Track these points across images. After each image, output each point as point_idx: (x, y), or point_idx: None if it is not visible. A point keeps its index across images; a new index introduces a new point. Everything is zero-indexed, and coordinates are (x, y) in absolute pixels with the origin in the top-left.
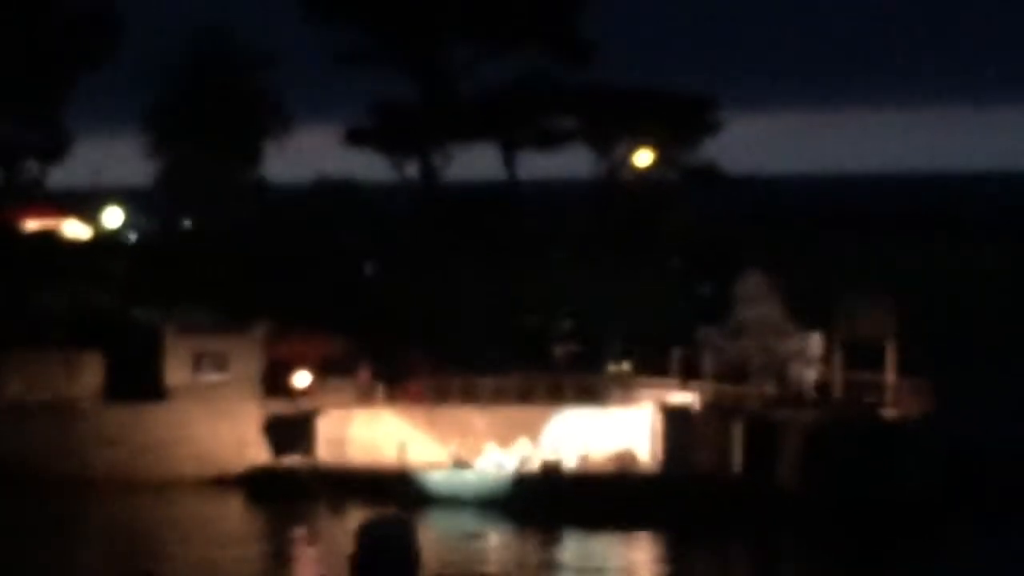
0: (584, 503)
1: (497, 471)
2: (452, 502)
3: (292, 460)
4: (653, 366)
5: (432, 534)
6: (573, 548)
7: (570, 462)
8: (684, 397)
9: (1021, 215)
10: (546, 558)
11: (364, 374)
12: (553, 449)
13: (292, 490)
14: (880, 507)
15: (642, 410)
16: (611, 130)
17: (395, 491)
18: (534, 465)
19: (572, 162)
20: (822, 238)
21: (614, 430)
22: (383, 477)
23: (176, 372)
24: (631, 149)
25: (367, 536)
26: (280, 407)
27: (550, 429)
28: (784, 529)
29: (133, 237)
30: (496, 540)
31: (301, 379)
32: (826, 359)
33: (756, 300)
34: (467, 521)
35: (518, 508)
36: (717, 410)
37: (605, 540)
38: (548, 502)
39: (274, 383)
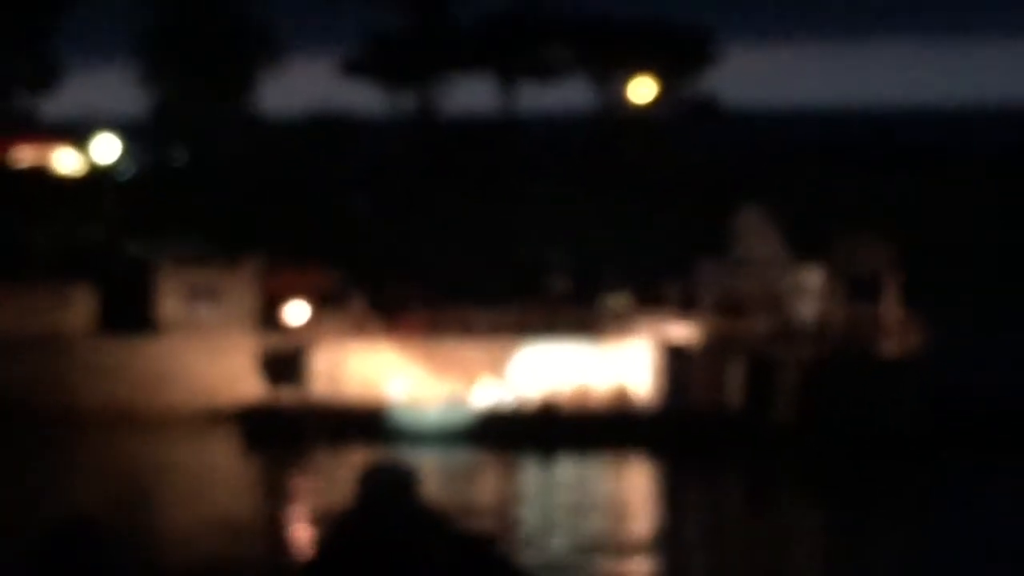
0: (581, 437)
1: (492, 404)
2: (440, 436)
3: (286, 394)
4: (650, 299)
5: (426, 471)
6: (569, 479)
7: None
8: (681, 330)
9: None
10: (544, 489)
11: (358, 304)
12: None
13: (286, 425)
14: (875, 441)
15: (639, 345)
16: (609, 61)
17: (382, 427)
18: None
19: (570, 94)
20: (822, 172)
21: (610, 364)
22: (375, 412)
23: (169, 305)
24: (630, 80)
25: (367, 489)
26: (274, 340)
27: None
28: (780, 462)
29: (127, 170)
30: (490, 473)
31: (295, 312)
32: (825, 293)
33: (755, 234)
34: (457, 455)
35: (508, 441)
36: (715, 346)
37: (601, 472)
38: (544, 433)
39: (268, 316)
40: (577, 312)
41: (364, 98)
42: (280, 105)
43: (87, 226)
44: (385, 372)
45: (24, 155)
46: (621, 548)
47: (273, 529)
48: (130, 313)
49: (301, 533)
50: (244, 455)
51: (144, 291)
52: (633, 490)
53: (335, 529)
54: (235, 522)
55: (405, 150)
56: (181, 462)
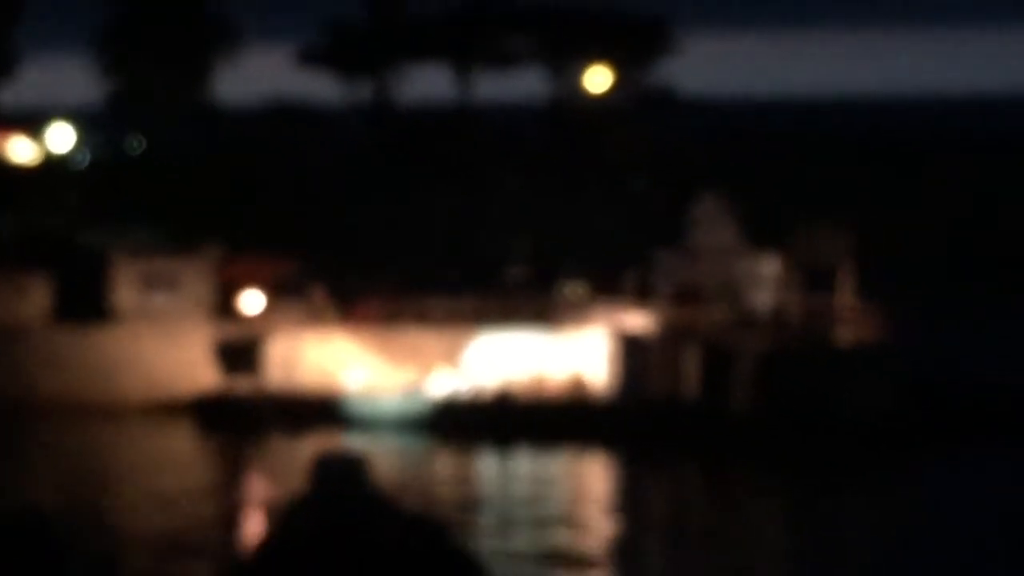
0: (536, 426)
1: (447, 393)
2: (397, 425)
3: (242, 383)
4: (607, 289)
5: (380, 458)
6: (525, 466)
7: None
8: (638, 320)
9: (985, 140)
10: (499, 478)
11: (319, 293)
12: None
13: (241, 414)
14: (833, 431)
15: (595, 334)
16: (565, 50)
17: (338, 416)
18: (477, 389)
19: (526, 83)
20: (780, 162)
21: (567, 354)
22: (331, 401)
23: (125, 294)
24: (586, 70)
25: (320, 476)
26: (230, 329)
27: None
28: (738, 452)
29: (83, 159)
30: (446, 462)
31: (252, 301)
32: (782, 283)
33: (711, 223)
34: (414, 444)
35: (464, 430)
36: (671, 334)
37: (558, 459)
38: (500, 422)
39: (224, 305)
40: (534, 301)
41: (320, 88)
42: (237, 95)
43: (43, 216)
44: (341, 361)
45: None
46: (577, 537)
47: (227, 516)
48: (86, 302)
49: (255, 520)
50: (200, 444)
51: (100, 280)
52: (589, 480)
53: (288, 514)
54: (190, 510)
55: (363, 138)
56: (136, 451)
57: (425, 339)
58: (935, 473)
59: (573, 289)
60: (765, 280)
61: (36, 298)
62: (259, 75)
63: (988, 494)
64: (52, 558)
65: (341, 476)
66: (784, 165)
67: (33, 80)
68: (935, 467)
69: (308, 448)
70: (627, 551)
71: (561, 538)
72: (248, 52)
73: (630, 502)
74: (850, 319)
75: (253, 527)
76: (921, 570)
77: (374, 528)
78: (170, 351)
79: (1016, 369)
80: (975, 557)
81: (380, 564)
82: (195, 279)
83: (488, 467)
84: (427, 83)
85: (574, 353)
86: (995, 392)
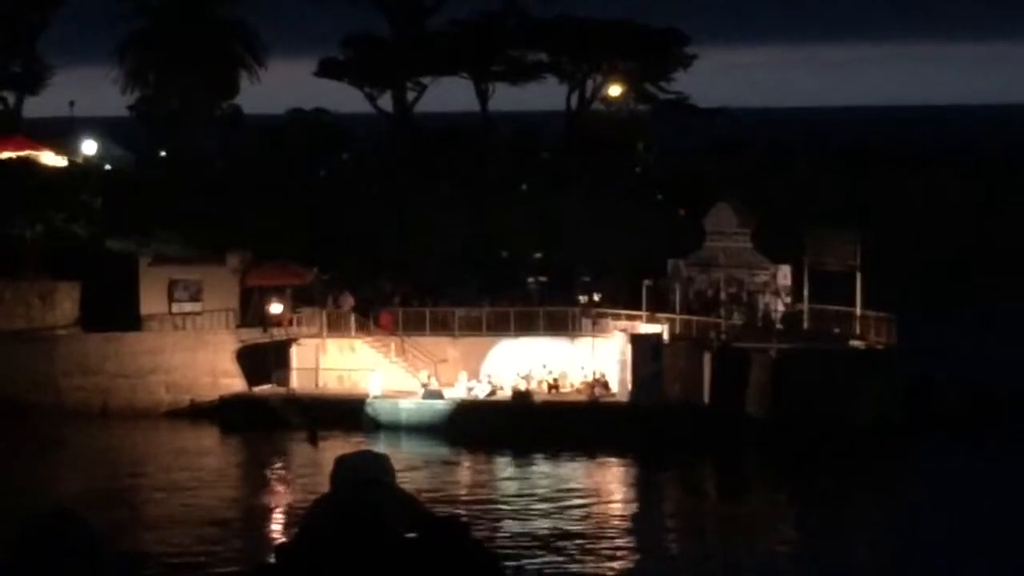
0: (554, 430)
1: (468, 399)
2: (418, 429)
3: (266, 389)
4: (623, 297)
5: (402, 462)
6: (543, 471)
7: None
8: (653, 328)
9: (982, 149)
10: (518, 481)
11: (347, 301)
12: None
13: (266, 419)
14: (844, 435)
15: (612, 341)
16: (582, 63)
17: (358, 420)
18: (496, 395)
19: (544, 95)
20: (792, 171)
21: (584, 359)
22: (353, 406)
23: (151, 302)
24: (602, 82)
25: (343, 476)
26: (254, 337)
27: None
28: (751, 456)
29: (107, 167)
30: (465, 465)
31: (276, 308)
32: (794, 291)
33: (726, 232)
34: (434, 448)
35: (484, 434)
36: (686, 340)
37: (574, 465)
38: (519, 429)
39: (248, 313)
40: (552, 309)
41: (341, 100)
42: (261, 105)
43: (71, 223)
44: (363, 367)
45: (9, 154)
46: (596, 539)
47: (252, 517)
48: (113, 310)
49: (280, 520)
50: (223, 447)
51: (127, 288)
52: (607, 483)
53: (312, 513)
54: (215, 511)
55: (383, 151)
56: (161, 454)
57: (444, 346)
58: (948, 474)
59: (590, 297)
60: (779, 288)
61: (65, 305)
62: (283, 87)
63: (992, 494)
64: (80, 556)
65: (363, 476)
66: (796, 174)
67: (62, 91)
68: (948, 468)
69: (330, 451)
70: (642, 548)
71: (577, 538)
72: (272, 65)
73: (645, 503)
74: (861, 326)
75: (278, 526)
76: (921, 567)
77: (395, 525)
78: (196, 357)
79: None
80: (973, 555)
81: (402, 561)
82: (219, 287)
83: (506, 470)
84: (447, 95)
85: (591, 360)
86: (1002, 395)
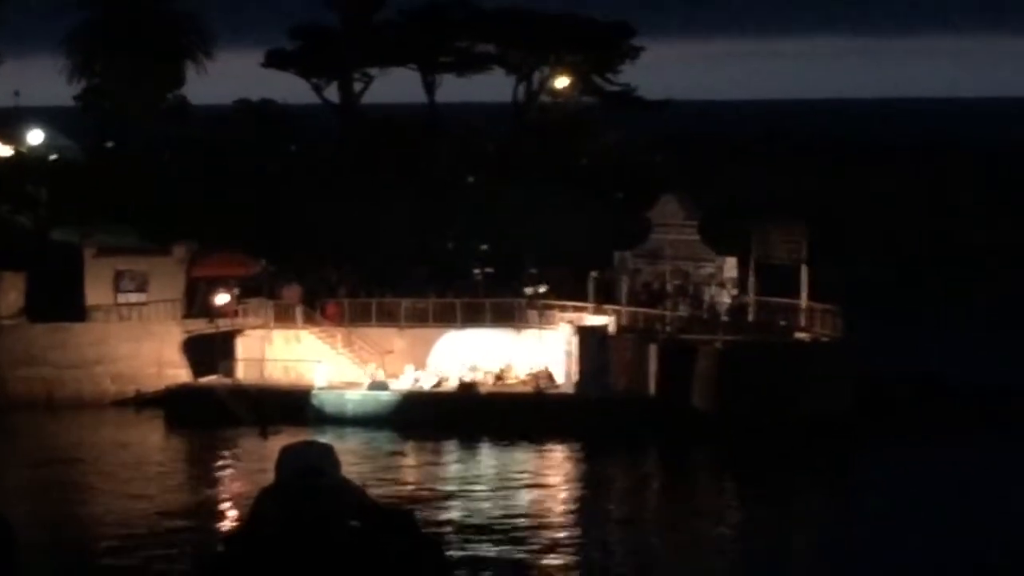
0: (499, 420)
1: (414, 390)
2: (363, 421)
3: (212, 380)
4: (569, 289)
5: (348, 453)
6: (489, 461)
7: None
8: (600, 320)
9: (934, 143)
10: (464, 471)
11: (293, 292)
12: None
13: (212, 410)
14: (790, 427)
15: (558, 333)
16: (529, 55)
17: (303, 411)
18: (442, 386)
19: (491, 87)
20: (737, 163)
21: (530, 352)
22: (299, 397)
23: (97, 292)
24: (549, 74)
25: (287, 466)
26: (200, 327)
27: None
28: (697, 447)
29: (53, 157)
30: (412, 456)
31: (221, 299)
32: (740, 283)
33: (672, 224)
34: (380, 439)
35: (431, 424)
36: (632, 332)
37: (520, 454)
38: (464, 418)
39: (194, 303)
40: (497, 301)
41: (288, 90)
42: (208, 96)
43: (17, 214)
44: (310, 358)
45: None
46: (542, 529)
47: (197, 509)
48: (59, 300)
49: (224, 512)
50: (169, 438)
51: (72, 278)
52: (552, 474)
53: (257, 505)
54: (159, 503)
55: (330, 140)
56: (106, 445)
57: (390, 337)
58: (885, 467)
59: (536, 288)
60: (724, 281)
61: (9, 296)
62: (228, 77)
63: (940, 483)
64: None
65: (307, 465)
66: (742, 167)
67: (6, 80)
68: (885, 461)
69: (275, 443)
70: (588, 538)
71: (523, 527)
72: (218, 54)
73: (591, 494)
74: (807, 319)
75: (222, 518)
76: (863, 560)
77: (340, 516)
78: (141, 348)
79: (971, 364)
80: (919, 547)
81: (348, 552)
82: (165, 277)
83: (452, 461)
84: (394, 86)
85: (537, 352)
86: (947, 387)
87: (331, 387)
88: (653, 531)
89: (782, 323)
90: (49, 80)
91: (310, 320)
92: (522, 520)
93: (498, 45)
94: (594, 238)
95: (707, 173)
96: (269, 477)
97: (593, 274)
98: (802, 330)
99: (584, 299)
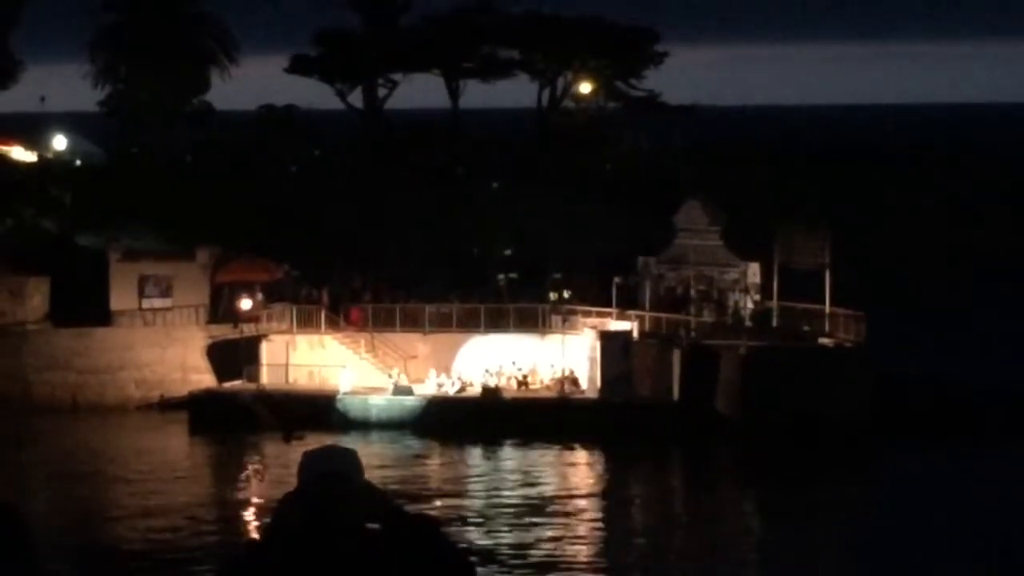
0: (523, 425)
1: (438, 394)
2: (388, 426)
3: (236, 385)
4: (593, 294)
5: (373, 456)
6: (512, 464)
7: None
8: (623, 326)
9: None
10: (487, 472)
11: (314, 297)
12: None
13: (236, 415)
14: (813, 433)
15: (582, 338)
16: (553, 61)
17: (328, 416)
18: (466, 391)
19: (516, 93)
20: (761, 169)
21: (554, 356)
22: (324, 403)
23: (121, 297)
24: (573, 80)
25: (310, 471)
26: (224, 332)
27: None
28: (721, 451)
29: (78, 162)
30: (437, 459)
31: (246, 304)
32: (764, 288)
33: (696, 230)
34: (406, 443)
35: (455, 429)
36: (656, 338)
37: (544, 457)
38: (488, 423)
39: (218, 309)
40: (521, 306)
41: (313, 96)
42: (232, 102)
43: (41, 218)
44: (334, 363)
45: None
46: (564, 532)
47: (221, 513)
48: (83, 305)
49: (248, 516)
50: (194, 442)
51: (97, 283)
52: (576, 478)
53: (279, 510)
54: (184, 506)
55: (354, 145)
56: (131, 450)
57: (414, 342)
58: (907, 471)
59: (560, 294)
60: (748, 286)
61: (35, 301)
62: (254, 83)
63: (960, 489)
64: (18, 552)
65: (329, 469)
66: (766, 172)
67: (32, 86)
68: (907, 464)
69: (300, 447)
70: (613, 542)
71: (548, 528)
72: (243, 61)
73: (615, 498)
74: (830, 324)
75: (246, 523)
76: (886, 565)
77: (364, 522)
78: (165, 353)
79: (993, 369)
80: (937, 552)
81: (370, 555)
82: (189, 282)
83: (477, 465)
84: (418, 92)
85: (561, 356)
86: (971, 393)
87: (355, 392)
88: (676, 535)
89: (806, 328)
90: (73, 85)
91: (334, 325)
92: (544, 525)
93: (522, 50)
94: (618, 243)
95: (731, 178)
96: (289, 479)
97: (617, 279)
98: (826, 335)
99: (608, 304)
